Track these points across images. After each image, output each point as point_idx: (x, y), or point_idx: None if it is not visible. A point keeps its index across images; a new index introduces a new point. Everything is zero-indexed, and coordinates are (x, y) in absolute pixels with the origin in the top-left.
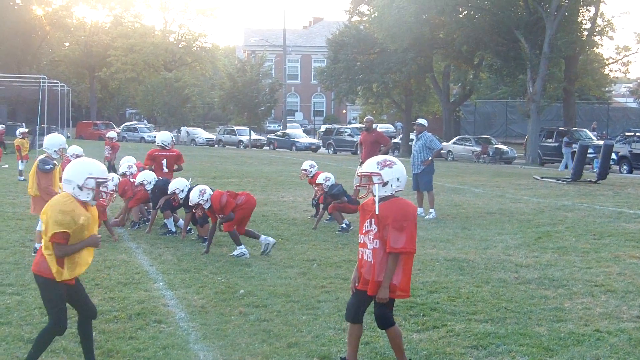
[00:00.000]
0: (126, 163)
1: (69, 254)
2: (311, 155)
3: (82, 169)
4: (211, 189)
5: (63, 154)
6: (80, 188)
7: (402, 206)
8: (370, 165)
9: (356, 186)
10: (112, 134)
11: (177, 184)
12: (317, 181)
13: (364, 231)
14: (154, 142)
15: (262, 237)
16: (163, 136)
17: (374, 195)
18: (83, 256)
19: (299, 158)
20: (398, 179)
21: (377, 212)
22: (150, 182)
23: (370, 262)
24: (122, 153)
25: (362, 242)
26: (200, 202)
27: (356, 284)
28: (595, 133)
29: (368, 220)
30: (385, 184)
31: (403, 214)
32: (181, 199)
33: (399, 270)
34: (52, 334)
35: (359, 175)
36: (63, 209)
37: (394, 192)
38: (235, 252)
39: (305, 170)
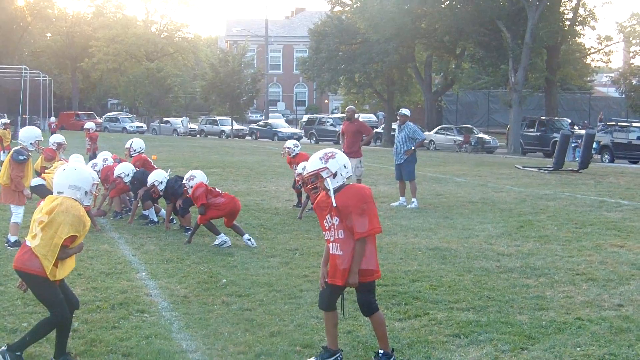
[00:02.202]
0: (102, 157)
1: (69, 256)
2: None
3: (88, 175)
4: (204, 178)
5: (39, 146)
6: (87, 193)
7: (357, 190)
8: (314, 163)
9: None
10: (89, 124)
11: (156, 176)
12: (297, 171)
13: (326, 228)
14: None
15: (246, 236)
16: (139, 143)
17: (328, 190)
18: (72, 259)
19: (281, 148)
20: (344, 166)
21: (334, 205)
22: (128, 175)
23: (341, 254)
24: (104, 144)
25: (328, 238)
26: (186, 184)
27: (326, 279)
28: (602, 123)
29: (327, 215)
30: (334, 175)
31: (360, 198)
32: (160, 190)
33: (369, 253)
34: (53, 326)
35: (298, 179)
36: (77, 213)
37: (344, 181)
38: (216, 242)
39: (288, 148)
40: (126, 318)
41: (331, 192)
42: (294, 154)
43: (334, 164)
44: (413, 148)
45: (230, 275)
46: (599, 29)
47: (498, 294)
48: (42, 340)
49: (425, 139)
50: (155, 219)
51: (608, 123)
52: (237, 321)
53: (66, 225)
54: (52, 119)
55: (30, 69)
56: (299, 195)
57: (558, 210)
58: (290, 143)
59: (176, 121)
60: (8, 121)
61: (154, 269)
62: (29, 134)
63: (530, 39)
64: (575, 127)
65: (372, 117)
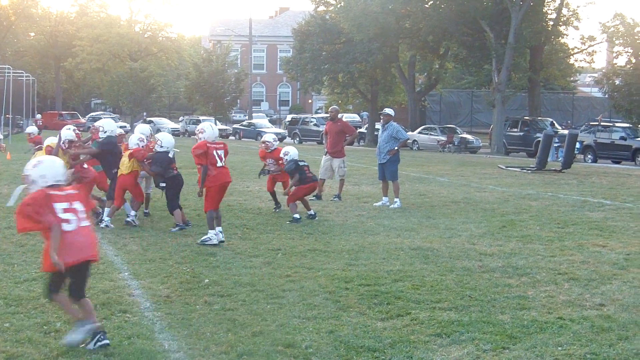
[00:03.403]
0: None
1: None
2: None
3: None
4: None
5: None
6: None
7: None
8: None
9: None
10: (30, 128)
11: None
12: (279, 154)
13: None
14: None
15: (218, 229)
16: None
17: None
18: None
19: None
20: (43, 176)
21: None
22: (106, 132)
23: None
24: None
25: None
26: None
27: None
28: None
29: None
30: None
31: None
32: (142, 147)
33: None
34: None
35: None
36: None
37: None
38: (204, 237)
39: (268, 142)
40: (108, 318)
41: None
42: (272, 148)
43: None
44: (396, 148)
45: (213, 275)
46: (582, 29)
47: (480, 293)
48: (24, 341)
49: (408, 139)
50: (133, 214)
51: (591, 123)
52: (220, 321)
53: None
54: (38, 116)
55: (14, 68)
56: (273, 195)
57: (541, 210)
58: (269, 137)
59: (159, 121)
60: None
61: (136, 269)
62: None
63: (513, 39)
64: (558, 126)
65: (355, 117)
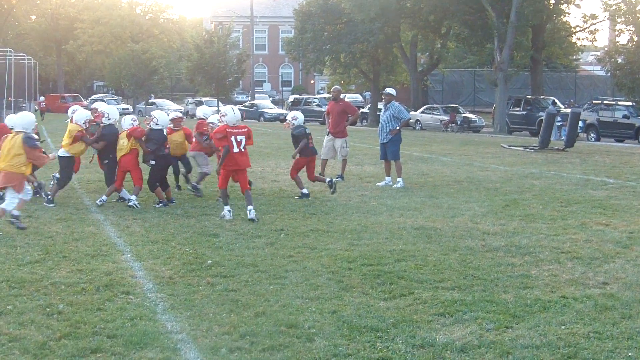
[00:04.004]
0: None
1: None
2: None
3: None
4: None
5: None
6: None
7: None
8: None
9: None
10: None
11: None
12: (287, 118)
13: None
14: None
15: (248, 207)
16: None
17: None
18: None
19: (268, 129)
20: None
21: None
22: (110, 120)
23: None
24: None
25: None
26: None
27: None
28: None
29: None
30: None
31: None
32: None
33: None
34: None
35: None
36: None
37: None
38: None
39: (212, 124)
40: (111, 300)
41: None
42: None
43: None
44: (398, 128)
45: (216, 256)
46: (584, 8)
47: (483, 272)
48: (27, 323)
49: (410, 119)
50: (134, 198)
51: (593, 102)
52: (222, 302)
53: None
54: (41, 98)
55: (15, 51)
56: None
57: (543, 189)
58: (214, 118)
59: (162, 102)
60: None
61: (139, 251)
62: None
63: (515, 18)
64: (560, 104)
65: (358, 97)
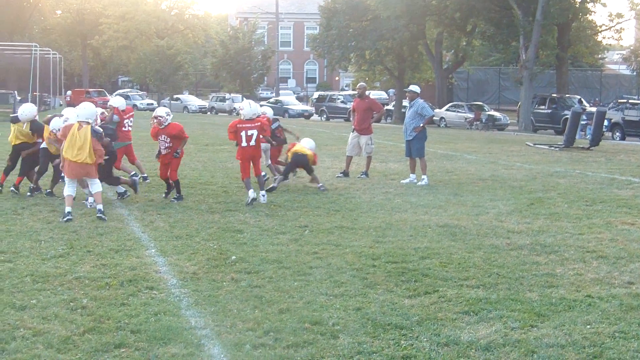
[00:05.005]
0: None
1: None
2: (303, 122)
3: None
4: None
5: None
6: None
7: None
8: None
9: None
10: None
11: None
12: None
13: None
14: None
15: (261, 193)
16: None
17: None
18: None
19: (292, 125)
20: None
21: None
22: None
23: None
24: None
25: None
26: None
27: None
28: None
29: None
30: None
31: None
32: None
33: None
34: None
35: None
36: None
37: None
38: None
39: (160, 117)
40: (135, 295)
41: None
42: (165, 123)
43: None
44: (422, 125)
45: (240, 252)
46: (610, 6)
47: (508, 271)
48: (51, 317)
49: (433, 116)
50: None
51: (619, 101)
52: (246, 298)
53: None
54: (68, 92)
55: (41, 46)
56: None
57: (569, 188)
58: (162, 111)
59: (186, 98)
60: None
61: (163, 246)
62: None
63: (541, 16)
64: (586, 103)
65: (382, 94)
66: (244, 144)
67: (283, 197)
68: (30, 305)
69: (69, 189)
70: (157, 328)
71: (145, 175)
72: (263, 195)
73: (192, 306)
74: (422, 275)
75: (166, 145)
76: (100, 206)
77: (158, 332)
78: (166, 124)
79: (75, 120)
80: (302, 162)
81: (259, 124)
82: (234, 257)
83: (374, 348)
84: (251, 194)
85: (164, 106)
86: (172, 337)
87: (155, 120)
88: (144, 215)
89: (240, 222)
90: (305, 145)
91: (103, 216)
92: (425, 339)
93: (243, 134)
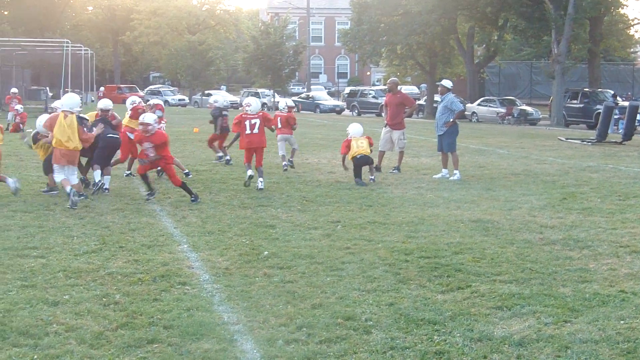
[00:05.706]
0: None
1: None
2: (335, 118)
3: None
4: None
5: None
6: None
7: None
8: None
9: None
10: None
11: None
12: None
13: None
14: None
15: (259, 180)
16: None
17: None
18: None
19: (323, 120)
20: None
21: None
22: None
23: None
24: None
25: None
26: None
27: None
28: None
29: None
30: None
31: None
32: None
33: None
34: None
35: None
36: None
37: None
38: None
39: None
40: (167, 290)
41: None
42: (152, 132)
43: None
44: (452, 120)
45: (272, 248)
46: None
47: (541, 266)
48: (84, 313)
49: (463, 110)
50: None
51: None
52: (279, 293)
53: None
54: (101, 88)
55: (72, 42)
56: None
57: (601, 182)
58: (150, 118)
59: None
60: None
61: (195, 241)
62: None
63: (573, 10)
64: (618, 98)
65: (414, 89)
66: (247, 131)
67: (315, 193)
68: (63, 301)
69: (60, 175)
70: (189, 323)
71: (187, 171)
72: (261, 182)
73: (225, 302)
74: (455, 271)
75: (151, 154)
76: (69, 188)
77: (190, 327)
78: (153, 132)
79: (60, 110)
80: (367, 162)
81: (262, 113)
82: (266, 253)
83: (407, 343)
84: (249, 172)
85: (195, 102)
86: (204, 333)
87: (141, 127)
88: (176, 211)
89: (273, 217)
90: (355, 134)
91: (75, 198)
92: (458, 335)
93: (247, 122)
